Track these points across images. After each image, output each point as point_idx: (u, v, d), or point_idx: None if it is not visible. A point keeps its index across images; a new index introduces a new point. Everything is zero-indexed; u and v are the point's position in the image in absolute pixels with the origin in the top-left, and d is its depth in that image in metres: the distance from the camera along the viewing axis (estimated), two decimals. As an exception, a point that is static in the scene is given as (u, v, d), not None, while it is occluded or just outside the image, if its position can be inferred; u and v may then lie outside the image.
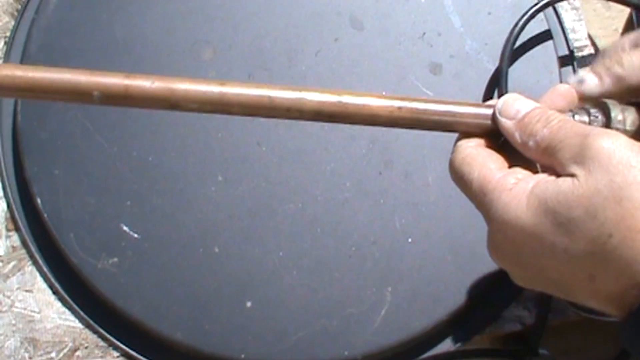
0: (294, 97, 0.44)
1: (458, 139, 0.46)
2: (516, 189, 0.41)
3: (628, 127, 0.45)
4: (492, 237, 0.43)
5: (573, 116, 0.45)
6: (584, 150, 0.39)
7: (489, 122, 0.45)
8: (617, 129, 0.44)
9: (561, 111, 0.45)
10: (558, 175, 0.40)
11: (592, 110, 0.45)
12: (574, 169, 0.39)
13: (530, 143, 0.42)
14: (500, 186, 0.42)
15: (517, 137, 0.43)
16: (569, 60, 0.76)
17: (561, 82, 0.72)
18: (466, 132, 0.46)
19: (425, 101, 0.45)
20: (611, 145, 0.38)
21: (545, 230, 0.39)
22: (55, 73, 0.42)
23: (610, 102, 0.45)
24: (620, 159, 0.38)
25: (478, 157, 0.44)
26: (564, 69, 0.74)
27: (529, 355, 0.68)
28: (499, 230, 0.42)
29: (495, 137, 0.45)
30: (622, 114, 0.45)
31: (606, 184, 0.37)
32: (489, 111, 0.45)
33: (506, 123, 0.44)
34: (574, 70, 0.75)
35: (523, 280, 0.45)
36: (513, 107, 0.44)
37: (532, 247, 0.40)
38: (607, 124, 0.45)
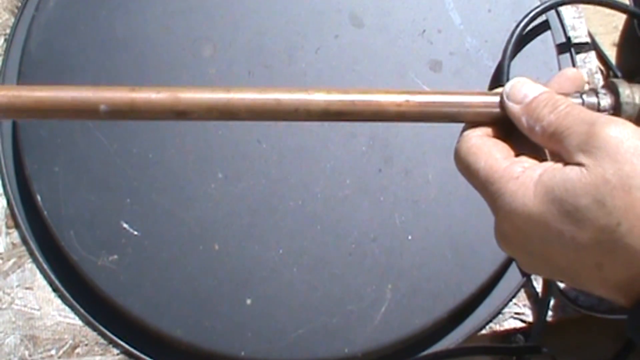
0: (301, 98, 0.43)
1: (464, 129, 0.46)
2: (523, 177, 0.41)
3: (637, 101, 0.45)
4: (499, 226, 0.43)
5: (581, 96, 0.45)
6: (591, 139, 0.39)
7: (497, 109, 0.45)
8: (627, 104, 0.44)
9: (569, 94, 0.45)
10: (565, 162, 0.40)
11: (600, 90, 0.45)
12: (582, 157, 0.39)
13: (537, 128, 0.42)
14: (507, 175, 0.42)
15: (523, 121, 0.43)
16: (567, 51, 0.76)
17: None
18: (474, 121, 0.45)
19: (433, 93, 0.45)
20: (619, 134, 0.38)
21: (552, 218, 0.39)
22: (61, 91, 0.42)
23: (618, 81, 0.45)
24: (629, 147, 0.38)
25: (484, 146, 0.44)
26: (563, 66, 0.74)
27: (529, 353, 0.68)
28: (506, 218, 0.42)
29: (503, 125, 0.45)
30: (629, 89, 0.45)
31: (614, 173, 0.37)
32: (497, 99, 0.45)
33: (513, 107, 0.44)
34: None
35: (530, 268, 0.45)
36: (521, 92, 0.44)
37: (539, 235, 0.40)
38: (617, 100, 0.45)
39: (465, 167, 0.45)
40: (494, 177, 0.42)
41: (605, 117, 0.40)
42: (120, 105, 0.42)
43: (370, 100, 0.44)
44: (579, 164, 0.39)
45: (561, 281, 0.44)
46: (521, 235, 0.41)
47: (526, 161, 0.42)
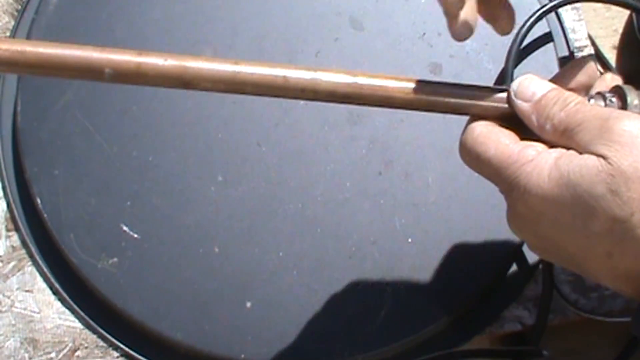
0: (309, 77, 0.43)
1: (468, 123, 0.46)
2: (538, 159, 0.41)
3: None
4: (511, 207, 0.43)
5: (589, 100, 0.45)
6: (606, 133, 0.39)
7: (504, 105, 0.44)
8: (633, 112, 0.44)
9: (583, 85, 0.45)
10: (581, 152, 0.40)
11: (608, 95, 0.45)
12: (598, 148, 0.39)
13: (548, 126, 0.42)
14: (522, 158, 0.42)
15: (534, 120, 0.43)
16: (569, 61, 0.76)
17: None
18: (481, 115, 0.45)
19: (441, 84, 0.45)
20: (633, 127, 0.39)
21: (565, 203, 0.39)
22: (66, 49, 0.42)
23: (627, 87, 0.45)
24: None
25: (491, 134, 0.44)
26: (564, 69, 0.74)
27: (529, 356, 0.68)
28: (520, 199, 0.42)
29: (509, 120, 0.45)
30: (638, 99, 0.45)
31: (630, 165, 0.38)
32: (505, 95, 0.45)
33: (522, 105, 0.43)
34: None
35: (541, 252, 0.45)
36: (529, 89, 0.43)
37: (552, 218, 0.40)
38: (623, 107, 0.45)
39: (475, 157, 0.44)
40: (508, 162, 0.42)
41: (617, 112, 0.40)
42: (125, 69, 0.42)
43: (378, 86, 0.44)
44: (596, 154, 0.39)
45: (569, 268, 0.44)
46: (533, 217, 0.41)
47: (538, 145, 0.42)
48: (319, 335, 0.65)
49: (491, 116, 0.45)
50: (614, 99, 0.45)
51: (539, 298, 0.69)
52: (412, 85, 0.44)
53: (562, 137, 0.42)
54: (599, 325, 0.70)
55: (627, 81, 0.76)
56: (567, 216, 0.40)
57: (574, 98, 0.42)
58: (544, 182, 0.40)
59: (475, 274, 0.67)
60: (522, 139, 0.44)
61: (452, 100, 0.45)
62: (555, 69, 0.73)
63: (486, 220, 0.67)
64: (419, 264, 0.67)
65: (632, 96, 0.45)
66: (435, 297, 0.66)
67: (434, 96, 0.44)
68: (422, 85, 0.44)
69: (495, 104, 0.45)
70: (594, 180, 0.38)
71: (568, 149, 0.41)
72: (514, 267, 0.70)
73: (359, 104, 0.45)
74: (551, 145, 0.42)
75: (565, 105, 0.42)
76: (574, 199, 0.39)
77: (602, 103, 0.45)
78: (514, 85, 0.44)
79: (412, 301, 0.66)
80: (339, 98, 0.44)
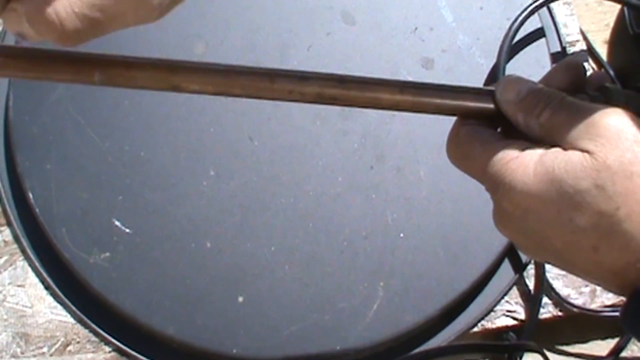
0: (297, 80, 0.43)
1: (456, 122, 0.46)
2: (522, 156, 0.41)
3: None
4: (497, 205, 0.43)
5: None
6: (591, 128, 0.39)
7: (491, 105, 0.45)
8: None
9: (571, 84, 0.45)
10: (566, 149, 0.40)
11: (593, 94, 0.45)
12: (583, 144, 0.39)
13: (533, 124, 0.42)
14: (507, 156, 0.42)
15: (519, 118, 0.43)
16: (561, 56, 0.76)
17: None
18: (468, 115, 0.45)
19: (428, 85, 0.45)
20: (618, 122, 0.39)
21: (551, 198, 0.39)
22: (56, 54, 0.42)
23: (612, 87, 0.45)
24: (629, 135, 0.38)
25: (476, 133, 0.44)
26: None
27: (521, 350, 0.68)
28: (505, 196, 0.42)
29: (496, 119, 0.45)
30: (623, 99, 0.45)
31: (616, 159, 0.38)
32: (490, 95, 0.45)
33: (508, 104, 0.44)
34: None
35: (527, 250, 0.45)
36: (514, 88, 0.44)
37: (537, 214, 0.40)
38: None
39: (461, 156, 0.45)
40: (493, 159, 0.42)
41: (603, 106, 0.40)
42: (114, 73, 0.42)
43: (365, 88, 0.44)
44: (581, 150, 0.39)
45: (556, 265, 0.44)
46: (519, 213, 0.41)
47: (523, 143, 0.42)
48: (311, 329, 0.65)
49: (478, 116, 0.45)
50: (600, 98, 0.45)
51: (531, 293, 0.69)
52: (398, 87, 0.45)
53: (548, 134, 0.42)
54: (591, 320, 0.70)
55: (617, 76, 0.76)
56: (553, 212, 0.40)
57: (558, 94, 0.42)
58: (529, 179, 0.40)
59: (467, 268, 0.67)
60: (508, 137, 0.44)
61: (439, 101, 0.45)
62: (547, 64, 0.73)
63: (478, 214, 0.67)
64: (411, 258, 0.67)
65: (617, 96, 0.45)
66: (427, 292, 0.66)
67: (420, 97, 0.45)
68: (409, 86, 0.45)
69: (482, 104, 0.45)
70: (579, 176, 0.38)
71: (554, 145, 0.41)
72: (505, 262, 0.70)
73: (346, 105, 0.45)
74: (537, 142, 0.43)
75: (550, 102, 0.42)
76: (559, 194, 0.39)
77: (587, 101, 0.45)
78: (499, 85, 0.45)
79: (404, 295, 0.66)
80: (327, 100, 0.44)
